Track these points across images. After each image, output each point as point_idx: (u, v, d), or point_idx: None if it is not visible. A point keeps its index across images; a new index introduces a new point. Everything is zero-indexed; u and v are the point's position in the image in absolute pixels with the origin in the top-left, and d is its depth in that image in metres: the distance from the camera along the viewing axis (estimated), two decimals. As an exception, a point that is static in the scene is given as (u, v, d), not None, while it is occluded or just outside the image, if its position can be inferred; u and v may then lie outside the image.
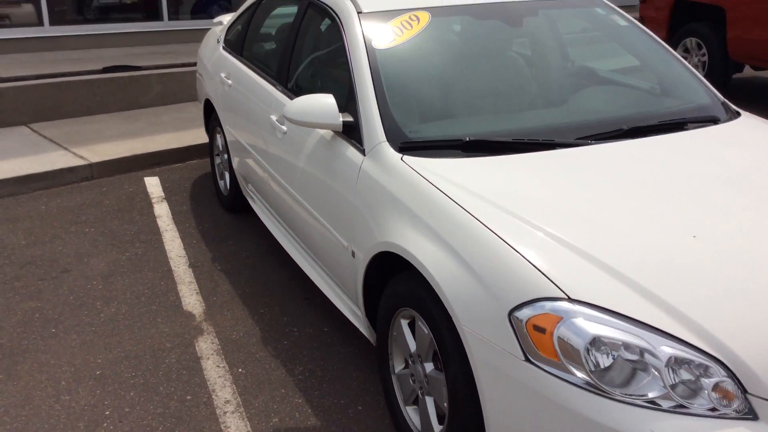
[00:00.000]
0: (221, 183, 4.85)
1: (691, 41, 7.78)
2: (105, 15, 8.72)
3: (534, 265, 2.02)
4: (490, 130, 2.75)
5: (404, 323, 2.52)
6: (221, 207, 4.89)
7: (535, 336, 1.93)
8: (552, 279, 1.97)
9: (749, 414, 1.78)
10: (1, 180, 5.11)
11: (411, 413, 2.58)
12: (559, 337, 1.89)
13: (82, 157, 5.56)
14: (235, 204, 4.67)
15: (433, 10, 3.18)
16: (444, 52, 3.07)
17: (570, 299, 1.92)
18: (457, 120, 2.83)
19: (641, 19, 8.41)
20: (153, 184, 5.35)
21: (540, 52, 3.25)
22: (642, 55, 3.37)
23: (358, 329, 3.15)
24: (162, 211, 4.83)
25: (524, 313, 1.96)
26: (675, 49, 8.00)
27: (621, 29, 3.45)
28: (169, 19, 9.09)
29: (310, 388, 2.98)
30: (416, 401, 2.56)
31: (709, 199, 2.34)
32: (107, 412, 2.84)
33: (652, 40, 3.43)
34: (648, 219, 2.21)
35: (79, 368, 3.12)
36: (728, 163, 2.60)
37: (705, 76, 7.58)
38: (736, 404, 1.78)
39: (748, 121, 3.04)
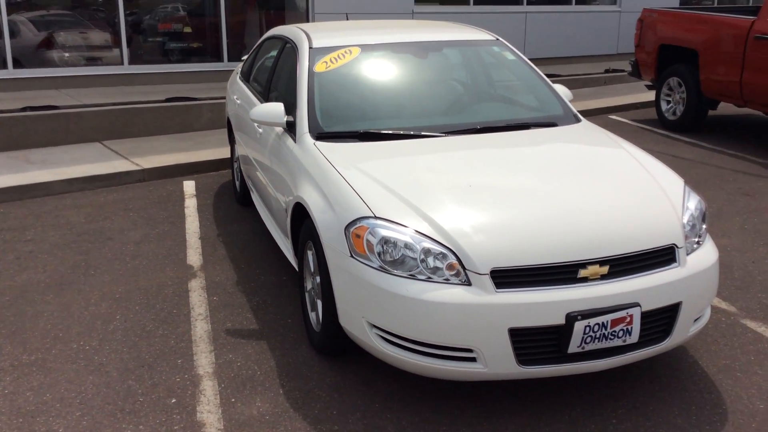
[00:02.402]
0: (237, 183, 6.18)
1: (673, 80, 8.73)
2: (175, 56, 10.39)
3: (362, 199, 3.20)
4: (384, 127, 3.95)
5: (309, 253, 3.71)
6: (236, 201, 6.21)
7: (356, 240, 3.10)
8: (369, 206, 3.15)
9: (467, 282, 2.89)
10: (74, 179, 6.61)
11: (312, 316, 3.75)
12: (366, 239, 3.06)
13: (137, 165, 7.03)
14: (245, 198, 5.98)
15: (363, 47, 4.44)
16: (363, 75, 4.30)
17: (375, 216, 3.09)
18: (363, 121, 4.04)
19: (635, 62, 9.41)
20: (189, 186, 6.75)
21: (440, 76, 4.43)
22: (522, 80, 4.51)
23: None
24: (190, 204, 6.20)
25: (351, 227, 3.13)
26: (661, 87, 8.96)
27: (509, 62, 4.61)
28: (229, 60, 10.68)
29: (260, 310, 4.19)
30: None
31: (502, 164, 3.46)
32: (117, 316, 4.13)
33: (531, 70, 4.57)
34: (451, 175, 3.35)
35: (105, 294, 4.44)
36: (535, 147, 3.71)
37: (684, 111, 8.52)
38: (459, 276, 2.90)
39: (579, 126, 4.13)
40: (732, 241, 5.19)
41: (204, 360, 3.65)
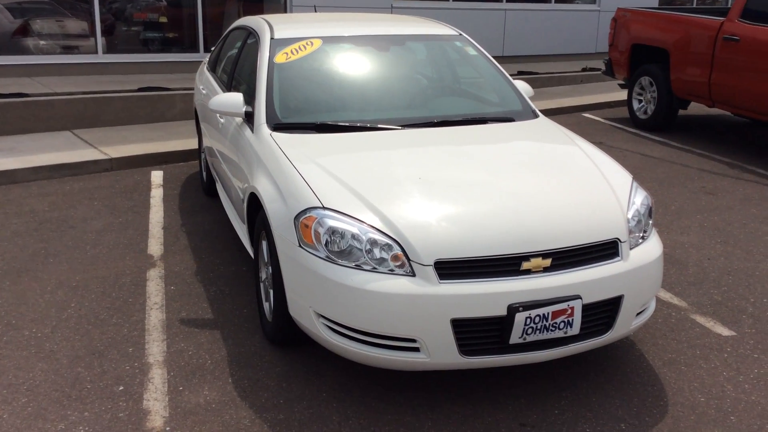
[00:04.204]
0: (204, 174, 6.17)
1: (645, 80, 8.81)
2: (150, 46, 10.33)
3: (312, 190, 3.21)
4: (341, 119, 3.96)
5: (264, 243, 3.72)
6: (202, 192, 6.20)
7: (304, 230, 3.11)
8: (318, 196, 3.16)
9: (412, 273, 2.92)
10: (40, 167, 6.57)
11: (266, 306, 3.76)
12: (314, 229, 3.07)
13: (105, 154, 6.99)
14: (211, 188, 5.98)
15: (325, 39, 4.45)
16: (323, 67, 4.31)
17: (324, 207, 3.11)
18: (321, 113, 4.05)
19: (609, 61, 9.48)
20: (157, 176, 6.72)
21: (401, 70, 4.45)
22: (483, 75, 4.54)
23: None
24: (156, 194, 6.18)
25: (300, 217, 3.15)
26: (633, 86, 9.03)
27: (471, 57, 4.64)
28: (205, 51, 10.63)
29: (217, 300, 4.19)
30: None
31: (454, 158, 3.48)
32: (72, 304, 4.12)
33: (492, 66, 4.60)
34: (403, 167, 3.37)
35: (62, 282, 4.42)
36: (489, 141, 3.74)
37: (655, 110, 8.60)
38: (404, 268, 2.93)
39: (536, 121, 4.17)
40: (690, 238, 5.26)
41: (155, 348, 3.65)
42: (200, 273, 4.56)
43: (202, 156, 6.23)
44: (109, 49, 9.96)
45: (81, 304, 4.12)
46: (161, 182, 6.53)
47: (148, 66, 10.16)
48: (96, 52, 9.84)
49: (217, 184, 5.50)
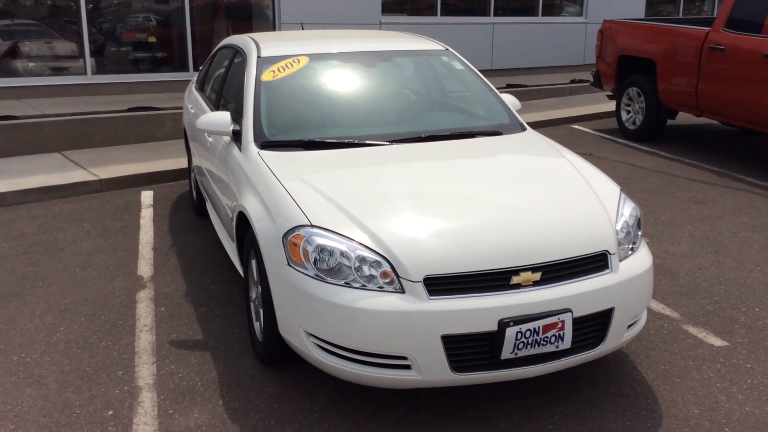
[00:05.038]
0: (194, 193, 6.15)
1: (632, 90, 8.85)
2: (140, 66, 10.33)
3: (300, 208, 3.20)
4: (329, 136, 3.96)
5: (253, 262, 3.70)
6: (193, 211, 6.18)
7: (292, 249, 3.10)
8: (306, 214, 3.15)
9: (401, 290, 2.90)
10: (30, 189, 6.54)
11: (256, 326, 3.73)
12: (303, 247, 3.06)
13: (95, 175, 6.96)
14: (201, 208, 5.95)
15: (312, 56, 4.45)
16: (310, 84, 4.31)
17: (312, 225, 3.09)
18: (309, 130, 4.05)
19: (596, 73, 9.53)
20: (147, 196, 6.70)
21: (388, 86, 4.45)
22: (470, 89, 4.55)
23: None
24: (146, 214, 6.16)
25: (288, 235, 3.13)
26: (621, 97, 9.08)
27: (458, 71, 4.65)
28: (194, 70, 10.63)
29: (207, 321, 4.16)
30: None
31: (442, 172, 3.48)
32: (62, 328, 4.08)
33: (479, 80, 4.61)
34: (391, 183, 3.36)
35: (51, 305, 4.38)
36: (477, 155, 3.74)
37: (643, 120, 8.64)
38: (393, 284, 2.91)
39: (524, 134, 4.18)
40: (681, 248, 5.26)
41: (145, 371, 3.61)
42: (190, 293, 4.53)
43: (192, 175, 6.21)
44: (99, 69, 9.95)
45: (70, 327, 4.09)
46: (151, 202, 6.50)
47: (137, 86, 10.16)
48: (85, 73, 9.83)
49: (207, 203, 5.48)
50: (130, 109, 8.70)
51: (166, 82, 10.35)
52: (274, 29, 11.21)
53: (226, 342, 3.91)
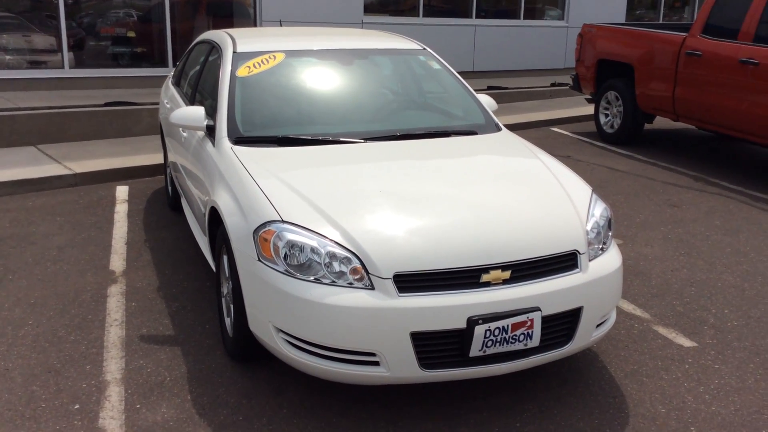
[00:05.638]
0: (169, 188, 6.10)
1: (611, 94, 8.92)
2: (119, 61, 10.24)
3: (272, 204, 3.18)
4: (303, 132, 3.94)
5: (224, 257, 3.67)
6: (168, 207, 6.13)
7: (263, 244, 3.08)
8: (278, 210, 3.13)
9: (371, 286, 2.90)
10: (3, 182, 6.45)
11: (227, 321, 3.71)
12: (273, 243, 3.04)
13: (69, 169, 6.89)
14: (176, 203, 5.91)
15: (288, 53, 4.43)
16: (285, 81, 4.29)
17: (283, 220, 3.08)
18: (283, 126, 4.03)
19: (576, 76, 9.59)
20: (122, 191, 6.64)
21: (364, 84, 4.45)
22: (446, 88, 4.55)
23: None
24: (121, 209, 6.10)
25: (259, 231, 3.12)
26: (599, 101, 9.14)
27: (435, 71, 4.65)
28: (174, 65, 10.56)
29: (178, 316, 4.13)
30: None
31: (415, 171, 3.48)
32: (30, 322, 4.03)
33: (455, 80, 4.62)
34: (363, 181, 3.35)
35: (20, 299, 4.33)
36: (451, 154, 3.75)
37: (621, 124, 8.71)
38: (363, 281, 2.90)
39: (499, 135, 4.19)
40: (654, 250, 5.31)
41: (113, 366, 3.58)
42: (163, 289, 4.50)
43: (168, 171, 6.16)
44: (77, 63, 9.85)
45: (39, 321, 4.04)
46: (126, 197, 6.45)
47: (115, 81, 10.07)
48: (63, 66, 9.73)
49: (182, 199, 5.45)
50: (107, 104, 8.63)
51: (145, 78, 10.27)
52: (255, 26, 11.16)
53: (197, 338, 3.88)
